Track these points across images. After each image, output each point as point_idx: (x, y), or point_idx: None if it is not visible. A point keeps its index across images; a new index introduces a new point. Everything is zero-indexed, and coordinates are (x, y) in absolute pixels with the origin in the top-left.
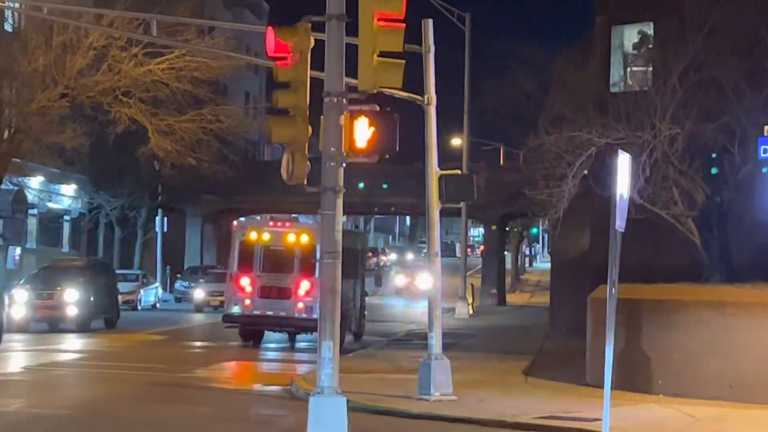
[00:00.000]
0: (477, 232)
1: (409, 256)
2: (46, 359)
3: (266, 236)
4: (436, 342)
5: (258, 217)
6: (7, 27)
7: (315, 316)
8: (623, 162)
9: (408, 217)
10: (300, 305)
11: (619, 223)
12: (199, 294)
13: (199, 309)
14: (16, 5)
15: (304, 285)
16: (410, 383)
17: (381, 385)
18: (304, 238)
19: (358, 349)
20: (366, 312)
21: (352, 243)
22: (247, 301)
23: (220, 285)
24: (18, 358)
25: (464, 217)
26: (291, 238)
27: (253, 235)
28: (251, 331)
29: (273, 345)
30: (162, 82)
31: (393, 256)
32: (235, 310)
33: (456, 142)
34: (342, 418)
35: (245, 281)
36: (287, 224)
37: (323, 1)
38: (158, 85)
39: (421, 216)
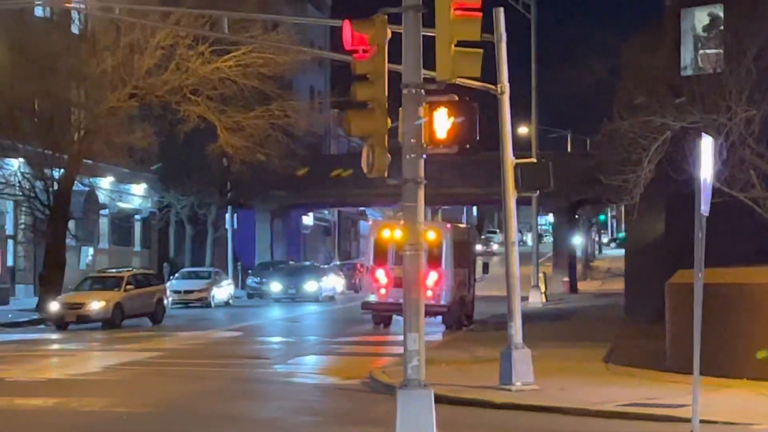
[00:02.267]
0: (544, 221)
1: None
2: (125, 358)
3: (398, 234)
4: (516, 331)
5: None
6: (74, 29)
7: (443, 302)
8: (706, 145)
9: (475, 207)
10: (429, 293)
11: (704, 208)
12: (54, 306)
13: (59, 325)
14: (82, 6)
15: (433, 276)
16: (489, 373)
17: (460, 375)
18: (431, 235)
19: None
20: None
21: (464, 236)
22: (383, 291)
23: (83, 296)
24: (97, 357)
25: (534, 205)
26: None
27: (386, 233)
28: (383, 317)
29: (348, 339)
30: (229, 79)
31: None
32: (372, 298)
33: (522, 130)
34: (429, 410)
35: (380, 273)
36: None
37: None
38: (226, 82)
39: (489, 205)
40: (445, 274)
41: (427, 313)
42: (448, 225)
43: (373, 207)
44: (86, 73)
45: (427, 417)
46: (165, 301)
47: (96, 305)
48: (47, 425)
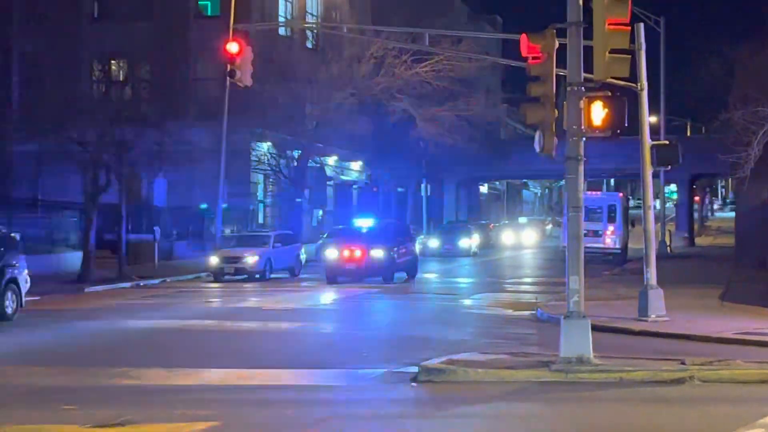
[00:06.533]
0: (668, 190)
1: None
2: (345, 294)
3: (587, 200)
4: (651, 275)
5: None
6: (308, 44)
7: (617, 246)
8: None
9: (612, 180)
10: (608, 240)
11: None
12: (214, 260)
13: (216, 274)
14: (314, 26)
15: (610, 228)
16: (629, 308)
17: (606, 309)
18: (610, 200)
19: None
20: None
21: (626, 201)
22: None
23: (238, 251)
24: (326, 293)
25: (662, 177)
26: (601, 200)
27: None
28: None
29: (517, 280)
30: (426, 81)
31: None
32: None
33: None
34: (587, 335)
35: None
36: (598, 193)
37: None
38: (423, 83)
39: (624, 178)
40: (618, 227)
41: (606, 253)
42: (620, 194)
43: (533, 179)
44: (317, 77)
45: (585, 340)
46: (302, 257)
47: (251, 259)
48: (293, 342)
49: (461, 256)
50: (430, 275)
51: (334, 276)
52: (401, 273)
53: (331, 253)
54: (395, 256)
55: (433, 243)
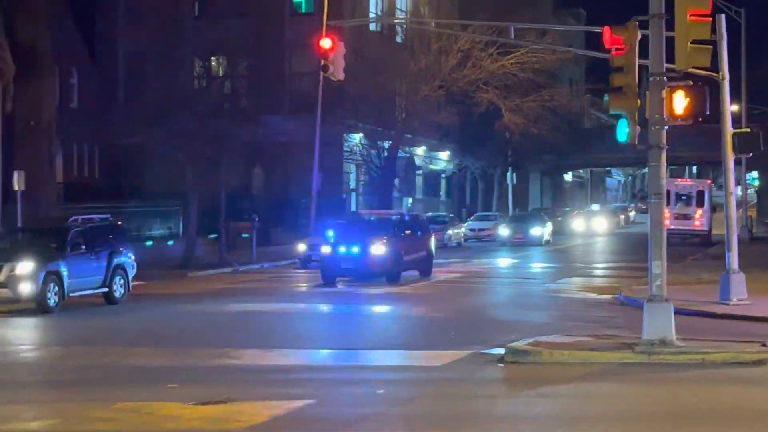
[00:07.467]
0: (749, 176)
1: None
2: (440, 278)
3: (678, 187)
4: (733, 259)
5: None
6: (398, 39)
7: (705, 228)
8: None
9: (695, 167)
10: (697, 223)
11: None
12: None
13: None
14: (403, 21)
15: (699, 212)
16: (711, 292)
17: (688, 293)
18: (699, 187)
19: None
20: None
21: (710, 188)
22: (667, 222)
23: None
24: (412, 278)
25: (744, 163)
26: (691, 187)
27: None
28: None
29: (600, 265)
30: (511, 73)
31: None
32: None
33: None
34: (669, 318)
35: (666, 212)
36: (688, 181)
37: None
38: (508, 75)
39: (705, 165)
40: (706, 211)
41: (695, 235)
42: (708, 181)
43: (616, 167)
44: (406, 71)
45: (668, 323)
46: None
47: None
48: (382, 324)
49: (533, 245)
50: (515, 260)
51: (331, 276)
52: (412, 272)
53: (326, 250)
54: (401, 252)
55: (504, 232)
